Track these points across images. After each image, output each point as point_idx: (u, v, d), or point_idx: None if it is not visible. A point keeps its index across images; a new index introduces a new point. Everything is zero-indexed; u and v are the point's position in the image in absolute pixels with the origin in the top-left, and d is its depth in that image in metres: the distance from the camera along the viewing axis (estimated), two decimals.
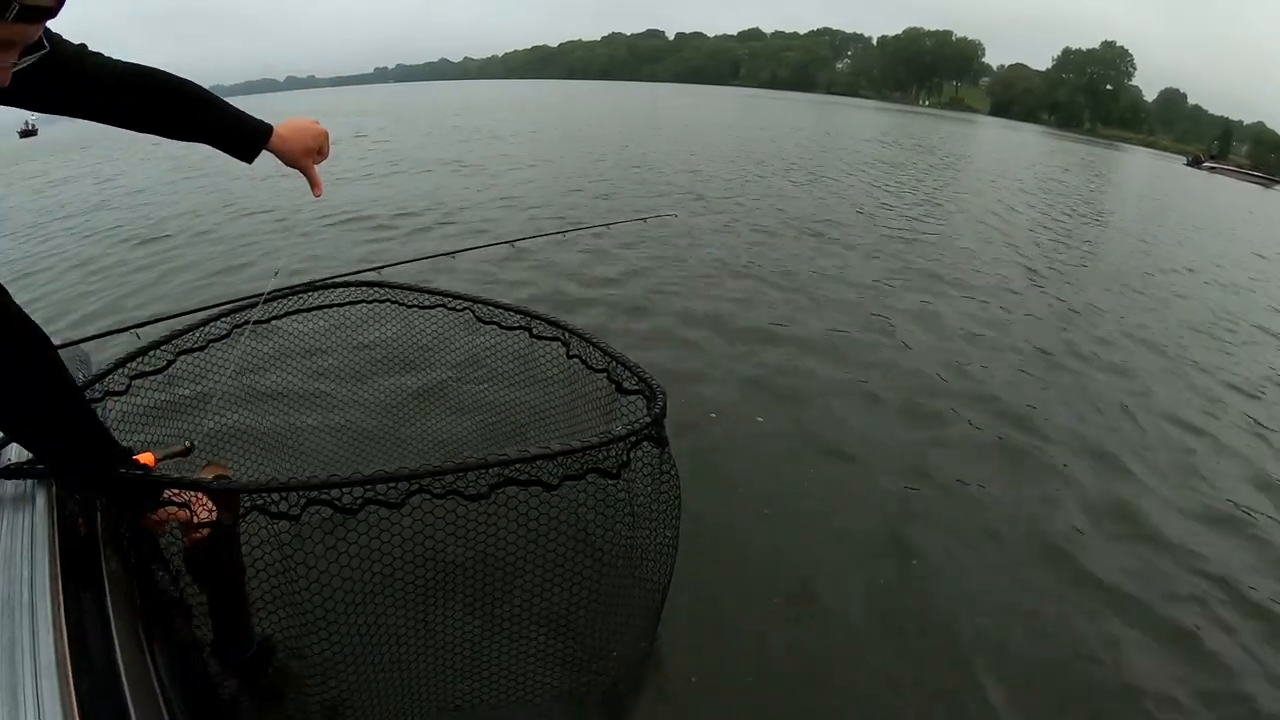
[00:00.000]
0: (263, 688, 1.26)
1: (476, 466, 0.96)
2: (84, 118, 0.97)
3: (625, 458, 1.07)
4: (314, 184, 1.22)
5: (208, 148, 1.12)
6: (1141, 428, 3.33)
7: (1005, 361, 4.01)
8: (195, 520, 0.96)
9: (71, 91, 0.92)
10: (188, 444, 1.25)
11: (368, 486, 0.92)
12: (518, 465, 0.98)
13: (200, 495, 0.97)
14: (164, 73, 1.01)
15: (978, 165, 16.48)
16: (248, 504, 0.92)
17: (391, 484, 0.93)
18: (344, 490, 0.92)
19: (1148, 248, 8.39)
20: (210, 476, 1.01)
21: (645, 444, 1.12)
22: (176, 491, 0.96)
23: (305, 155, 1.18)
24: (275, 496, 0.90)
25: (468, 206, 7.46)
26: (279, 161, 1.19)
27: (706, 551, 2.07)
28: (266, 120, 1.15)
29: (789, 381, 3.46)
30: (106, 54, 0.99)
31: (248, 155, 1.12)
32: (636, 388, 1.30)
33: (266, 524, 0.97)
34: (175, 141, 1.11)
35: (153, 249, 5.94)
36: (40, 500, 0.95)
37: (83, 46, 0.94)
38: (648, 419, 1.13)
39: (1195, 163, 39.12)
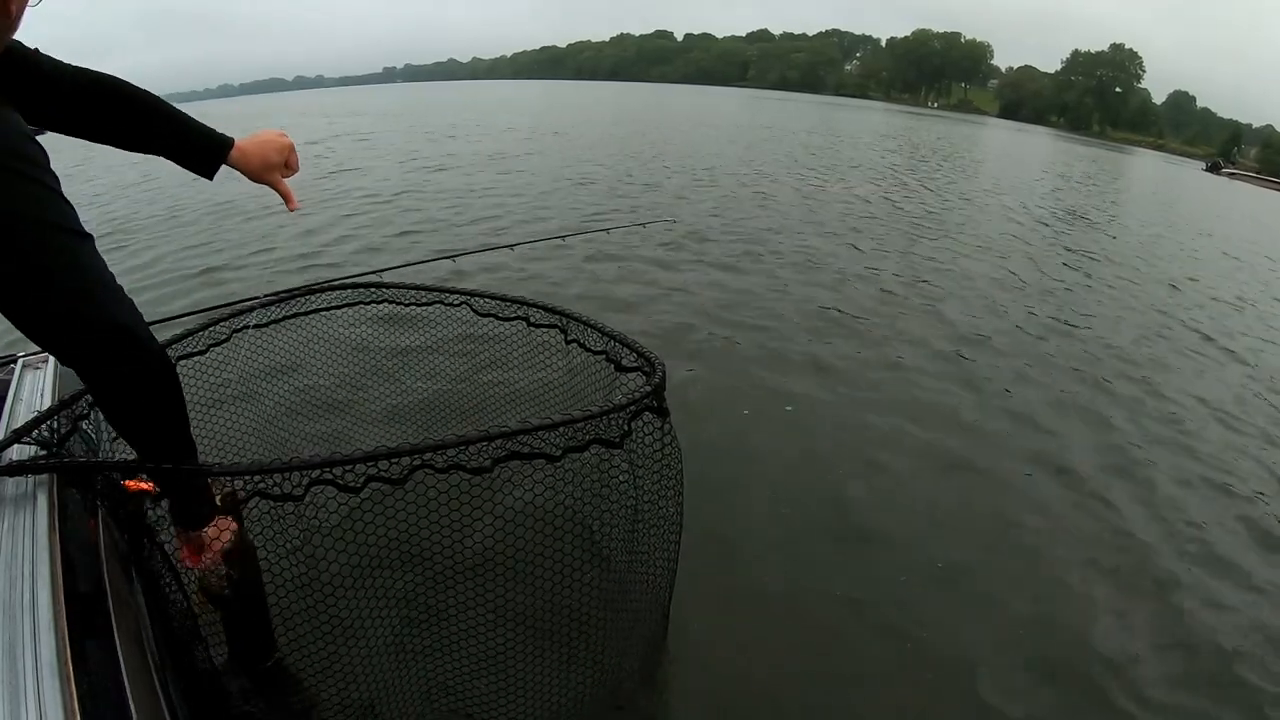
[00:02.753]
0: (279, 696, 1.24)
1: (479, 439, 0.95)
2: (37, 125, 0.90)
3: (626, 427, 1.07)
4: (286, 198, 1.15)
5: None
6: None
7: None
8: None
9: (30, 97, 0.88)
10: None
11: (370, 463, 0.91)
12: (520, 437, 0.97)
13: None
14: (118, 79, 0.97)
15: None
16: (250, 488, 0.91)
17: (394, 459, 0.92)
18: (346, 469, 0.91)
19: None
20: None
21: (647, 414, 1.11)
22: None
23: (268, 170, 1.10)
24: (278, 477, 0.89)
25: (469, 208, 7.49)
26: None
27: (721, 549, 2.06)
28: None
29: (809, 372, 3.47)
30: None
31: (207, 170, 1.06)
32: (636, 364, 1.29)
33: (270, 510, 0.96)
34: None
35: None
36: (41, 499, 0.94)
37: (36, 51, 0.91)
38: (648, 388, 1.12)
39: (1214, 168, 38.45)
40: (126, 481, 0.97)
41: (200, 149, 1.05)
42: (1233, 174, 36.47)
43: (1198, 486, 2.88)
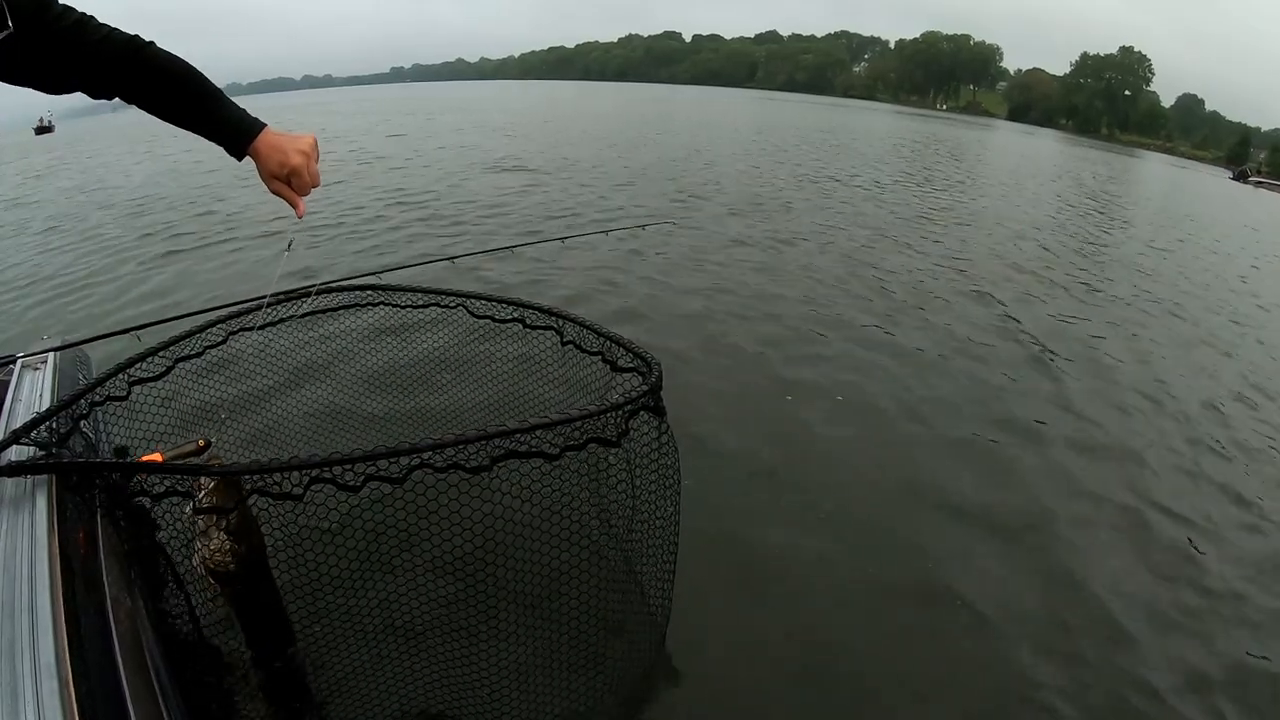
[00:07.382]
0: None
1: (477, 439, 0.96)
2: (77, 90, 0.95)
3: (624, 426, 1.08)
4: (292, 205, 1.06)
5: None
6: None
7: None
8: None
9: (62, 67, 0.91)
10: (201, 441, 1.25)
11: (370, 463, 0.92)
12: (518, 436, 0.98)
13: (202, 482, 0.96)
14: (153, 52, 0.96)
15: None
16: (249, 486, 0.91)
17: (393, 459, 0.93)
18: (345, 468, 0.92)
19: None
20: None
21: (644, 414, 1.13)
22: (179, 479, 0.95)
23: (270, 178, 1.03)
24: (278, 476, 0.90)
25: (470, 208, 7.49)
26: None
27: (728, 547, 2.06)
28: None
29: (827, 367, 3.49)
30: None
31: (234, 154, 1.03)
32: (632, 364, 1.30)
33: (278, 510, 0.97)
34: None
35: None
36: (40, 499, 0.94)
37: (89, 19, 0.92)
38: (644, 388, 1.14)
39: (1241, 176, 37.89)
40: (143, 457, 0.97)
41: (220, 139, 1.03)
42: (1259, 182, 34.98)
43: None
